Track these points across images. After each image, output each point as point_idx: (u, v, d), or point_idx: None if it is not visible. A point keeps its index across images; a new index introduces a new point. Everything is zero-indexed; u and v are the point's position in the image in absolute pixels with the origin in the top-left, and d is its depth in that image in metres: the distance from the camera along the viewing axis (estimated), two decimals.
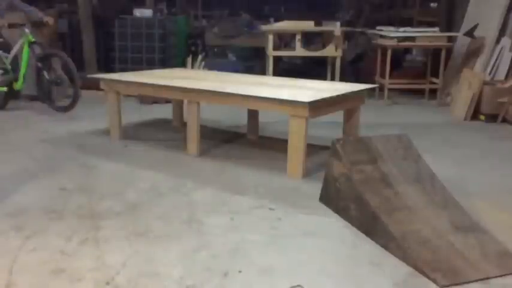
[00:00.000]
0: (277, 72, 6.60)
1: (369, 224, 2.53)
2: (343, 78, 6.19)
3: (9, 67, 5.56)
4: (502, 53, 5.75)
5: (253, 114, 4.50)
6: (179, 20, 7.38)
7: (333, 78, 6.85)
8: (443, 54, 6.22)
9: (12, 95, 5.76)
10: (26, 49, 5.43)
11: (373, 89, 5.76)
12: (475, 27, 6.04)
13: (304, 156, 3.41)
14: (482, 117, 5.38)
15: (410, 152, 2.94)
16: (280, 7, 10.03)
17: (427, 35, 6.32)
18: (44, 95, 5.50)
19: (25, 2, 5.72)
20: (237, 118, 5.10)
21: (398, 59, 7.42)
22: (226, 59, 7.98)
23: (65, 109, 5.37)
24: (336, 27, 6.57)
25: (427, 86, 6.60)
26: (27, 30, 5.46)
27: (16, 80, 5.51)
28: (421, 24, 7.40)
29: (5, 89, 5.52)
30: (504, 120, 5.25)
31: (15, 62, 5.54)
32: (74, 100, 5.29)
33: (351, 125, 4.02)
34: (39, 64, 5.36)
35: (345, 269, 2.25)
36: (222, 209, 2.90)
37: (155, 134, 4.70)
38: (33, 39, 5.49)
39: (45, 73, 5.31)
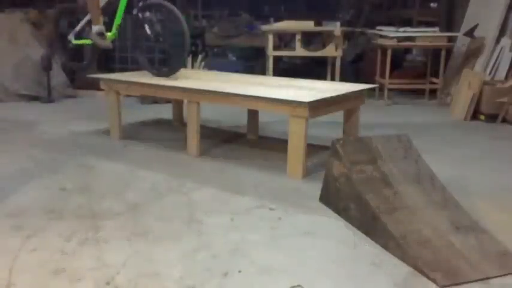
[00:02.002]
0: (277, 72, 6.60)
1: (369, 224, 2.53)
2: (343, 78, 6.19)
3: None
4: (502, 53, 5.75)
5: (253, 114, 4.50)
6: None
7: (333, 78, 6.85)
8: (443, 54, 6.22)
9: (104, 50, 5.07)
10: None
11: (373, 89, 5.75)
12: (475, 27, 6.04)
13: (304, 156, 3.41)
14: (482, 117, 5.38)
15: (410, 152, 2.94)
16: (280, 7, 10.03)
17: (427, 35, 6.32)
18: (141, 54, 4.58)
19: (24, 2, 5.68)
20: (237, 118, 5.10)
21: (399, 59, 7.42)
22: (226, 59, 7.97)
23: (169, 72, 4.40)
24: (336, 27, 6.57)
25: (427, 86, 6.60)
26: None
27: (107, 30, 4.52)
28: (421, 24, 7.39)
29: (90, 41, 4.55)
30: (504, 120, 5.25)
31: (109, 9, 4.70)
32: (178, 60, 4.43)
33: (351, 125, 4.02)
34: (140, 15, 4.34)
35: (345, 269, 2.25)
36: (222, 209, 2.90)
37: (155, 134, 4.70)
38: None
39: (146, 27, 4.28)
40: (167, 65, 4.66)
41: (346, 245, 2.47)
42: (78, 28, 4.70)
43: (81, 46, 4.83)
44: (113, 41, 4.55)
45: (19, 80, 6.30)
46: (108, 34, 4.42)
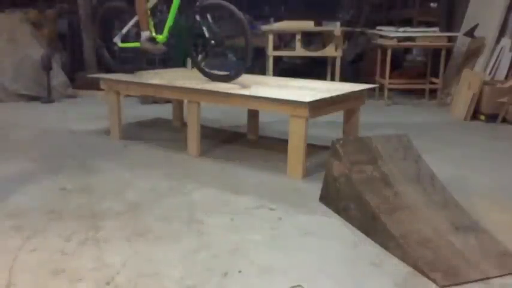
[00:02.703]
0: (277, 72, 6.60)
1: (369, 224, 2.53)
2: (343, 78, 6.19)
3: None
4: (502, 53, 5.75)
5: (253, 114, 4.50)
6: (179, 20, 7.37)
7: (333, 78, 6.84)
8: (443, 54, 6.22)
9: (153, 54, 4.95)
10: None
11: (373, 89, 5.75)
12: (475, 27, 6.04)
13: (304, 156, 3.41)
14: (482, 117, 5.38)
15: (410, 152, 2.94)
16: (280, 7, 10.02)
17: (427, 35, 6.32)
18: (195, 57, 4.31)
19: (24, 2, 5.65)
20: (237, 118, 5.10)
21: (398, 59, 7.42)
22: (226, 59, 7.97)
23: (229, 77, 4.04)
24: (336, 27, 6.57)
25: (427, 86, 6.60)
26: None
27: (158, 32, 4.28)
28: (421, 24, 7.39)
29: (138, 44, 4.32)
30: (504, 120, 5.25)
31: (159, 10, 4.57)
32: (240, 67, 4.03)
33: (351, 125, 4.02)
34: (197, 16, 4.00)
35: (345, 269, 2.24)
36: (222, 209, 2.90)
37: (155, 134, 4.70)
38: None
39: (204, 30, 3.96)
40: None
41: (346, 245, 2.47)
42: (124, 30, 4.51)
43: (125, 49, 4.58)
44: (165, 43, 4.26)
45: (19, 80, 6.30)
46: (159, 37, 4.21)
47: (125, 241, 2.48)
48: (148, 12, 4.22)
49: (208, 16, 3.96)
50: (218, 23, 4.15)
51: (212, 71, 4.22)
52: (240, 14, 3.77)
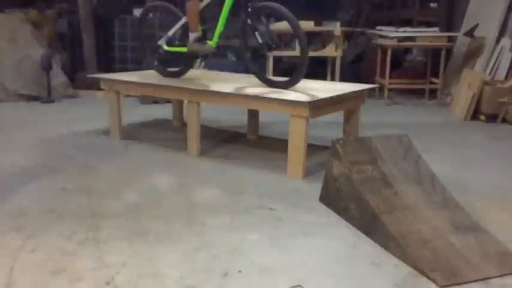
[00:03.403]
0: (277, 72, 6.59)
1: (369, 224, 2.53)
2: (343, 78, 6.19)
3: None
4: (502, 53, 5.75)
5: (253, 114, 4.50)
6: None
7: (333, 78, 6.85)
8: (443, 54, 6.22)
9: (201, 56, 4.54)
10: None
11: (373, 89, 5.76)
12: (475, 27, 6.04)
13: (304, 156, 3.41)
14: (482, 117, 5.38)
15: (410, 152, 2.94)
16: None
17: (427, 35, 6.32)
18: (253, 63, 4.04)
19: (24, 2, 5.63)
20: (237, 118, 5.10)
21: (398, 59, 7.42)
22: (226, 59, 7.97)
23: (286, 84, 3.82)
24: (336, 27, 6.57)
25: (427, 86, 6.60)
26: None
27: (207, 37, 4.01)
28: (421, 24, 7.40)
29: (186, 48, 4.06)
30: (504, 120, 5.25)
31: (209, 14, 4.16)
32: (299, 71, 3.70)
33: (351, 125, 4.02)
34: (249, 20, 3.76)
35: (345, 269, 2.24)
36: (222, 209, 2.90)
37: (155, 134, 4.70)
38: None
39: (257, 34, 3.72)
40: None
41: (346, 245, 2.47)
42: (171, 33, 4.24)
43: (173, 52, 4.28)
44: (215, 47, 4.00)
45: (19, 80, 6.30)
46: (209, 42, 3.96)
47: (125, 241, 2.48)
48: (199, 15, 4.01)
49: (263, 19, 3.74)
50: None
51: (271, 77, 4.05)
52: (293, 18, 3.54)
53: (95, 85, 5.02)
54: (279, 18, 3.81)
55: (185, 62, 4.30)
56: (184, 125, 4.48)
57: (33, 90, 6.32)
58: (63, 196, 3.08)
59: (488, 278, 2.14)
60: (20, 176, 3.43)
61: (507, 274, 2.18)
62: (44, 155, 3.95)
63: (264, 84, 3.93)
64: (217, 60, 7.56)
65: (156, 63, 4.46)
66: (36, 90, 6.33)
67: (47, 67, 6.24)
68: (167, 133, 4.75)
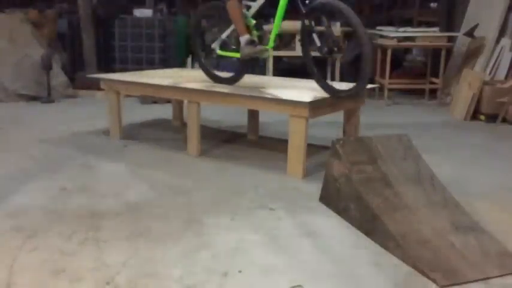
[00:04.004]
0: (277, 72, 6.60)
1: (369, 224, 2.53)
2: (343, 78, 6.19)
3: (251, 23, 3.74)
4: (502, 53, 5.75)
5: (253, 114, 4.50)
6: (179, 20, 7.38)
7: (333, 78, 6.84)
8: (443, 54, 6.22)
9: (254, 61, 4.05)
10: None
11: (373, 89, 5.76)
12: (475, 27, 6.04)
13: (304, 156, 3.41)
14: (482, 117, 5.38)
15: (410, 152, 2.94)
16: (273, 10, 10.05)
17: (427, 35, 6.32)
18: (312, 67, 3.68)
19: (24, 2, 5.60)
20: (237, 118, 5.10)
21: (399, 59, 7.42)
22: (226, 59, 7.96)
23: (353, 91, 3.42)
24: (336, 27, 6.57)
25: (427, 86, 6.60)
26: None
27: (262, 42, 3.70)
28: (421, 24, 7.40)
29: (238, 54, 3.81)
30: (504, 120, 5.25)
31: (261, 16, 3.84)
32: (363, 75, 3.27)
33: (351, 125, 4.02)
34: (306, 21, 3.43)
35: (345, 269, 2.24)
36: (222, 209, 2.90)
37: (155, 134, 4.70)
38: None
39: (315, 37, 3.39)
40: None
41: (346, 245, 2.47)
42: (224, 35, 4.02)
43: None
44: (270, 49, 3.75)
45: (19, 80, 6.30)
46: (265, 47, 3.68)
47: (125, 241, 2.48)
48: (245, 13, 3.72)
49: (324, 19, 3.35)
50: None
51: (332, 84, 3.66)
52: (356, 18, 3.18)
53: (95, 85, 5.02)
54: (339, 17, 3.43)
55: (239, 67, 4.00)
56: (184, 125, 4.48)
57: (33, 90, 6.32)
58: (63, 196, 3.08)
59: (488, 278, 2.14)
60: (20, 176, 3.43)
61: (507, 274, 2.18)
62: (43, 155, 3.95)
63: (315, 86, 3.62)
64: (217, 60, 7.56)
65: (207, 68, 4.18)
66: (36, 90, 6.33)
67: (47, 67, 6.24)
68: (167, 133, 4.75)
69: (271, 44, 3.69)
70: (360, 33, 3.17)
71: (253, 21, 3.73)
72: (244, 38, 3.65)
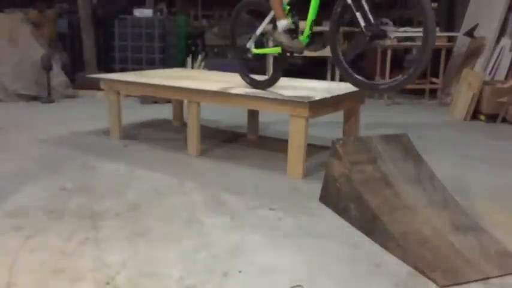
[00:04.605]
0: None
1: (369, 224, 2.53)
2: (343, 78, 6.18)
3: (286, 9, 3.41)
4: (502, 53, 5.75)
5: (253, 114, 4.50)
6: (179, 20, 7.39)
7: (333, 78, 6.85)
8: (443, 54, 6.22)
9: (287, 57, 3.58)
10: None
11: None
12: (475, 27, 6.04)
13: (304, 156, 3.41)
14: (482, 117, 5.38)
15: (410, 152, 2.93)
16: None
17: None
18: (338, 57, 3.30)
19: (24, 2, 5.60)
20: (237, 118, 5.10)
21: (399, 59, 7.42)
22: (226, 59, 7.98)
23: (390, 88, 3.08)
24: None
25: (427, 86, 6.60)
26: None
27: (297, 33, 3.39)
28: (421, 24, 7.38)
29: (278, 50, 3.53)
30: (504, 120, 5.25)
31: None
32: (414, 69, 2.85)
33: (351, 125, 4.02)
34: (349, 1, 3.03)
35: (345, 269, 2.24)
36: (222, 209, 2.90)
37: (155, 134, 4.70)
38: None
39: (358, 16, 3.01)
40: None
41: (346, 245, 2.47)
42: (259, 31, 3.68)
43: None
44: (307, 45, 3.37)
45: (19, 79, 6.30)
46: (300, 37, 3.36)
47: (125, 241, 2.48)
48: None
49: (364, 3, 3.02)
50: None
51: (359, 77, 3.24)
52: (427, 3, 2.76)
53: (95, 85, 5.02)
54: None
55: (275, 66, 3.64)
56: (184, 125, 4.48)
57: (33, 90, 6.32)
58: (63, 196, 3.08)
59: (488, 278, 2.14)
60: (20, 176, 3.43)
61: (507, 274, 2.18)
62: (43, 155, 3.95)
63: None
64: (217, 60, 7.57)
65: (244, 72, 3.86)
66: (36, 90, 6.33)
67: (47, 67, 6.25)
68: (167, 133, 4.75)
69: (306, 31, 3.33)
70: (428, 16, 2.77)
71: (288, 7, 3.41)
72: (282, 23, 3.34)
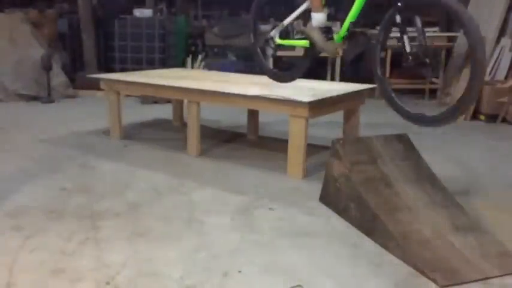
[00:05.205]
0: None
1: (369, 224, 2.53)
2: (343, 78, 6.19)
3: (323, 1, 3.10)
4: (502, 53, 5.75)
5: (253, 114, 4.50)
6: (179, 20, 7.39)
7: (333, 78, 6.85)
8: (443, 54, 6.21)
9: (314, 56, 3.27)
10: None
11: (373, 89, 5.74)
12: None
13: (304, 156, 3.41)
14: (482, 117, 5.38)
15: (410, 152, 2.93)
16: (280, 7, 10.05)
17: (427, 35, 6.31)
18: (382, 79, 2.99)
19: (24, 2, 5.60)
20: (237, 118, 5.10)
21: (399, 59, 7.42)
22: (226, 59, 7.98)
23: (439, 121, 2.61)
24: (336, 27, 6.56)
25: (427, 86, 6.60)
26: None
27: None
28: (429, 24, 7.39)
29: (306, 43, 3.18)
30: (504, 120, 5.25)
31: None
32: (464, 100, 2.47)
33: (351, 125, 4.02)
34: (398, 18, 2.72)
35: (345, 269, 2.24)
36: (222, 209, 2.90)
37: (155, 134, 4.70)
38: None
39: (405, 39, 2.70)
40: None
41: (346, 245, 2.47)
42: (287, 21, 3.30)
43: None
44: (342, 48, 3.09)
45: (19, 79, 6.30)
46: (335, 37, 3.05)
47: (125, 241, 2.48)
48: None
49: (417, 19, 2.65)
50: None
51: (407, 108, 2.82)
52: (472, 21, 2.37)
53: (94, 85, 5.01)
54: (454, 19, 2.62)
55: (300, 60, 3.36)
56: (184, 125, 4.48)
57: (33, 90, 6.32)
58: (63, 196, 3.08)
59: (488, 278, 2.14)
60: (20, 176, 3.43)
61: (507, 274, 2.18)
62: (43, 155, 3.95)
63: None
64: (217, 60, 7.57)
65: (263, 65, 3.55)
66: (36, 90, 6.33)
67: (47, 67, 6.25)
68: (167, 133, 4.75)
69: (343, 31, 3.00)
70: (474, 38, 2.35)
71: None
72: (319, 17, 2.97)
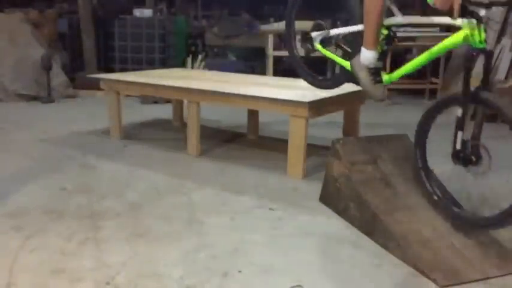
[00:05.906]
0: (277, 72, 6.59)
1: (369, 224, 2.53)
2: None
3: (383, 34, 2.83)
4: (502, 53, 5.75)
5: (253, 114, 4.50)
6: (179, 20, 7.39)
7: None
8: None
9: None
10: None
11: None
12: None
13: (304, 156, 3.41)
14: None
15: (410, 152, 2.93)
16: (280, 7, 10.04)
17: (427, 35, 6.32)
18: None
19: (24, 2, 5.60)
20: (237, 118, 5.10)
21: (398, 59, 7.42)
22: (226, 59, 7.98)
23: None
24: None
25: (427, 86, 6.60)
26: None
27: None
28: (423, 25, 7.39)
29: (348, 65, 2.86)
30: (504, 120, 5.24)
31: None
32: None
33: (351, 125, 4.02)
34: (465, 109, 2.70)
35: (345, 269, 2.24)
36: (222, 209, 2.90)
37: (155, 134, 4.70)
38: None
39: (459, 136, 2.76)
40: None
41: (346, 245, 2.47)
42: (334, 32, 3.01)
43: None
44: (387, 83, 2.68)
45: (19, 80, 6.30)
46: (386, 77, 2.68)
47: (125, 241, 2.48)
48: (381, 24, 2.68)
49: (480, 111, 2.39)
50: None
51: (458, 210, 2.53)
52: None
53: (94, 85, 5.01)
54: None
55: (339, 74, 3.14)
56: (184, 125, 4.48)
57: (33, 90, 6.32)
58: (63, 196, 3.08)
59: (488, 278, 2.14)
60: (20, 176, 3.43)
61: (507, 274, 2.18)
62: (43, 155, 3.95)
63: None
64: (217, 60, 7.58)
65: (303, 71, 3.28)
66: (36, 90, 6.33)
67: (47, 67, 6.25)
68: (167, 133, 4.75)
69: (396, 74, 2.68)
70: None
71: (386, 32, 2.72)
72: (368, 55, 2.61)
